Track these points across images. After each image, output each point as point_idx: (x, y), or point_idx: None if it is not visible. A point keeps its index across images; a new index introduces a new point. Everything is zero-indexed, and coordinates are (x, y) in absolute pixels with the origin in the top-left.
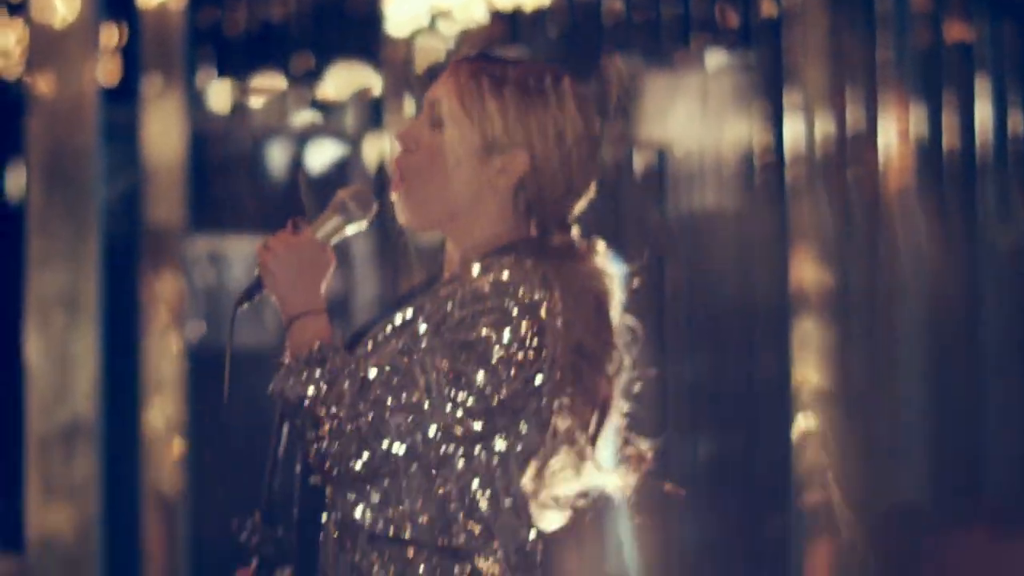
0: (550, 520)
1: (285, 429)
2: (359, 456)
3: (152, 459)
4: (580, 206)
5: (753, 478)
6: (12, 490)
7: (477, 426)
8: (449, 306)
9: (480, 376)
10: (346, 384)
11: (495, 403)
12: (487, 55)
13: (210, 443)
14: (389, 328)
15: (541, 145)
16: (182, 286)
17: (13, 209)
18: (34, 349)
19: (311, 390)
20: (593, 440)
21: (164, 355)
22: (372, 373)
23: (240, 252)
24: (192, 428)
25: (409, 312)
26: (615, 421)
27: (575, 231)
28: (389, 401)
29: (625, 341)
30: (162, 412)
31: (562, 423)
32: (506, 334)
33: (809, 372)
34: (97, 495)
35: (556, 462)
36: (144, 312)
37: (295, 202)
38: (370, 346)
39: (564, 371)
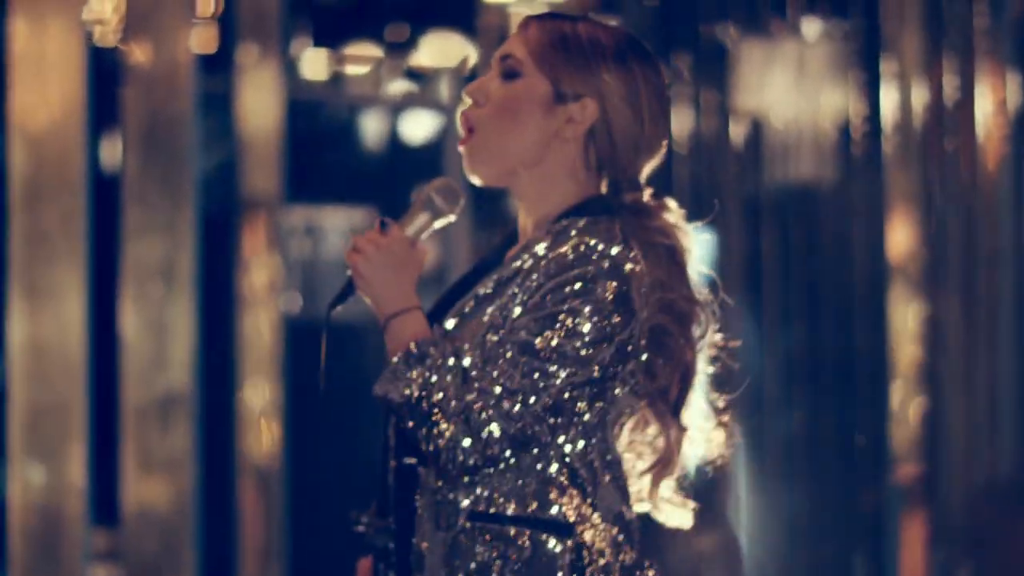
0: (675, 517)
1: (392, 423)
2: (474, 449)
3: (248, 431)
4: (651, 166)
5: (850, 451)
6: (109, 462)
7: (580, 399)
8: (535, 277)
9: (575, 348)
10: (448, 378)
11: (595, 374)
12: (557, 13)
13: (305, 416)
14: (472, 302)
15: (612, 97)
16: (278, 257)
17: (109, 179)
18: (130, 320)
19: (415, 390)
20: (676, 407)
21: (260, 327)
22: (467, 362)
23: (336, 223)
24: (288, 401)
25: (491, 285)
26: (698, 388)
27: (647, 191)
28: (495, 389)
29: (707, 299)
30: (258, 384)
31: (648, 387)
32: (594, 301)
33: (906, 344)
34: (193, 467)
35: (650, 429)
36: (240, 283)
37: (390, 174)
38: (455, 323)
39: (653, 330)
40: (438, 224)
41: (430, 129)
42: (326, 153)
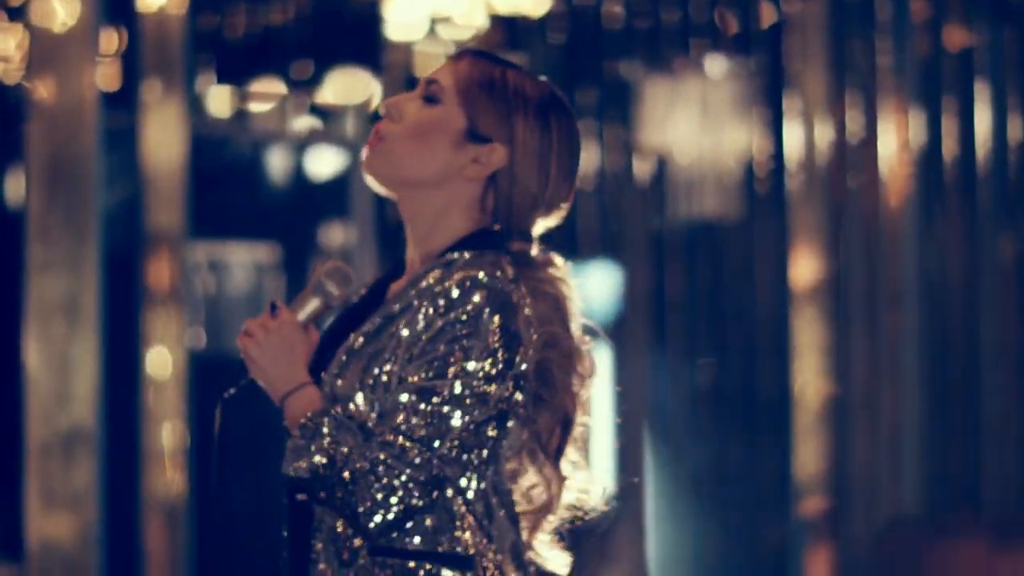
0: (557, 562)
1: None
2: (392, 503)
3: (152, 466)
4: (546, 223)
5: (756, 485)
6: (12, 498)
7: (482, 435)
8: (421, 316)
9: (471, 387)
10: (349, 440)
11: (493, 410)
12: (491, 54)
13: (210, 449)
14: (361, 340)
15: (522, 148)
16: (182, 292)
17: (13, 214)
18: (34, 355)
19: (320, 459)
20: (556, 456)
21: (164, 362)
22: (366, 414)
23: (240, 258)
24: (193, 437)
25: (377, 320)
26: (577, 437)
27: (535, 246)
28: (399, 440)
29: (589, 349)
30: (162, 419)
31: (531, 426)
32: (483, 338)
33: (810, 376)
34: (97, 502)
35: (525, 479)
36: (144, 319)
37: (295, 210)
38: (344, 359)
39: (539, 365)
40: (330, 306)
41: (335, 165)
42: (231, 189)
